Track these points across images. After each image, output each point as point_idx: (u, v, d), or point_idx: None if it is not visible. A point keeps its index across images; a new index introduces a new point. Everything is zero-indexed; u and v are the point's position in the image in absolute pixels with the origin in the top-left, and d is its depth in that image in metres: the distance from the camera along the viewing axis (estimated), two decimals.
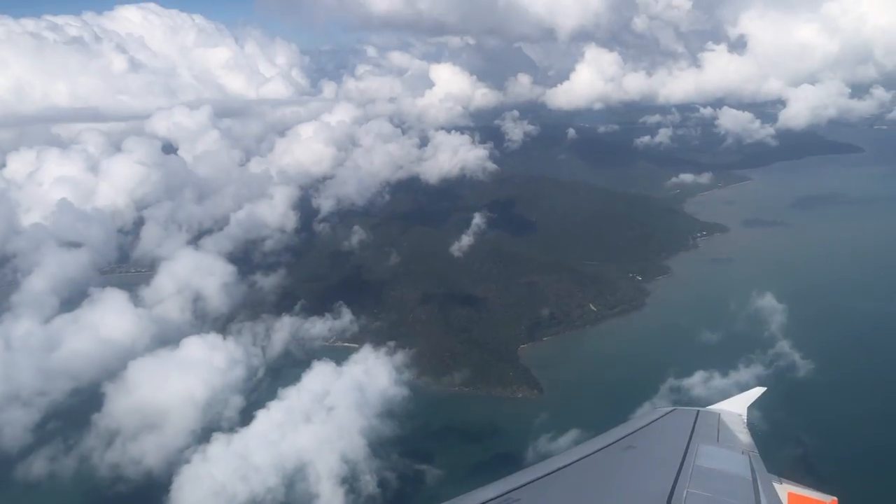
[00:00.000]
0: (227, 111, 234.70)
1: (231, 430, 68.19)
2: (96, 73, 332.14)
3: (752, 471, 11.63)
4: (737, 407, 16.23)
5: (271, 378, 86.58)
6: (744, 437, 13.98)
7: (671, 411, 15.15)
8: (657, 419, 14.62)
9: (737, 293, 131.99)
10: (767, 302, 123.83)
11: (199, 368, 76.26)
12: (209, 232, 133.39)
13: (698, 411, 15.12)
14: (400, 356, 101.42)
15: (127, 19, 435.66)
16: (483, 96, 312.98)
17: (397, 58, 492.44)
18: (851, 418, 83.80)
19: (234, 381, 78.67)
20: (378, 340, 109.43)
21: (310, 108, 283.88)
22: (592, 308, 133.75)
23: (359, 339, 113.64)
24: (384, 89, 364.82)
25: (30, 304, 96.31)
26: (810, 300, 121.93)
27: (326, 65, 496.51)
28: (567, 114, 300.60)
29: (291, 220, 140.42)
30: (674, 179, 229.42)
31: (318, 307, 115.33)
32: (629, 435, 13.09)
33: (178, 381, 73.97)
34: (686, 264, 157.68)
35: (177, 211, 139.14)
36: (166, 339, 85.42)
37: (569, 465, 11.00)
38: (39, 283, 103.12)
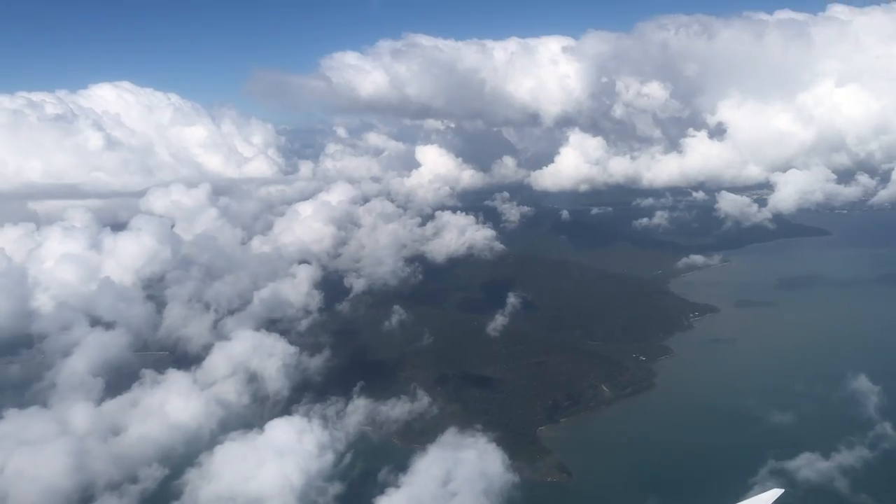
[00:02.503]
0: (214, 189, 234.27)
1: None
2: (71, 150, 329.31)
3: None
4: None
5: (363, 462, 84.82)
6: None
7: None
8: None
9: (743, 374, 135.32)
10: (777, 382, 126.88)
11: (288, 453, 74.52)
12: (231, 312, 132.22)
13: None
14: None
15: (101, 97, 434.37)
16: (470, 177, 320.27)
17: (373, 139, 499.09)
18: None
19: (326, 466, 77.09)
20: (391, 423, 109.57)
21: (296, 187, 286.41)
22: (605, 389, 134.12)
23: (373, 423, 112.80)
24: (361, 169, 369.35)
25: (76, 387, 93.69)
26: (819, 380, 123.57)
27: (292, 144, 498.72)
28: (553, 195, 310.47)
29: (315, 300, 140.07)
30: (684, 260, 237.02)
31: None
32: None
33: (270, 466, 72.14)
34: (685, 345, 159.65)
35: (197, 290, 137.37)
36: (231, 422, 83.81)
37: None
38: (80, 364, 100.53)
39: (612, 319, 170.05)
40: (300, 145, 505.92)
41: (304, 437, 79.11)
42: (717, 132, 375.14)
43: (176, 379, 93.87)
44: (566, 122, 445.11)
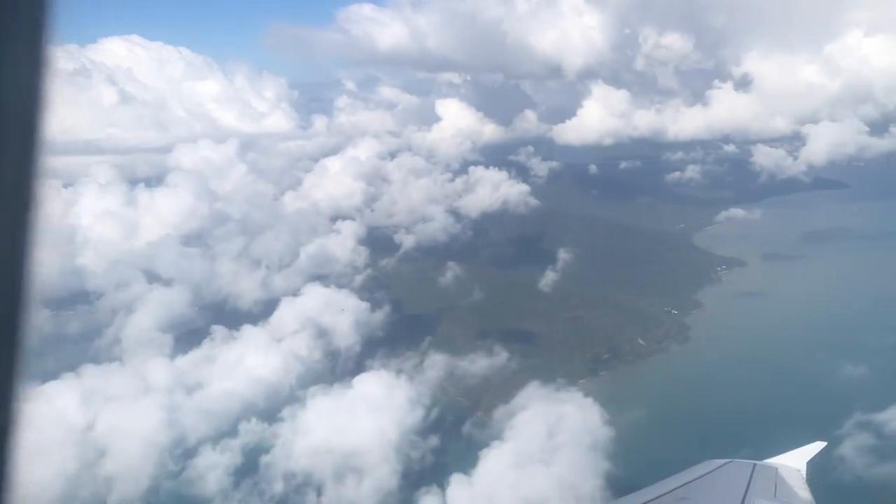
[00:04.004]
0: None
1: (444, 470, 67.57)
2: (85, 106, 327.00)
3: None
4: (796, 461, 15.92)
5: (451, 416, 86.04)
6: (803, 493, 13.78)
7: (727, 463, 14.85)
8: (712, 471, 14.22)
9: (779, 326, 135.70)
10: (815, 335, 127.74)
11: (380, 407, 75.66)
12: (279, 268, 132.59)
13: (755, 464, 14.77)
14: None
15: (111, 52, 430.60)
16: (492, 132, 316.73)
17: (386, 92, 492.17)
18: None
19: (417, 421, 78.32)
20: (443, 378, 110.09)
21: (315, 142, 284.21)
22: (641, 342, 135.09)
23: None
24: (376, 123, 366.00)
25: (145, 343, 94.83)
26: (861, 334, 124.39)
27: (298, 98, 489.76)
28: (577, 149, 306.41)
29: (361, 256, 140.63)
30: (727, 213, 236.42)
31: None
32: (682, 486, 12.88)
33: (364, 420, 73.24)
34: (716, 298, 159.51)
35: (243, 246, 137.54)
36: (307, 377, 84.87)
37: None
38: (146, 320, 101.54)
39: (642, 274, 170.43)
40: (307, 99, 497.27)
41: (393, 391, 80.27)
42: (743, 84, 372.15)
43: (251, 334, 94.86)
44: (588, 74, 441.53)
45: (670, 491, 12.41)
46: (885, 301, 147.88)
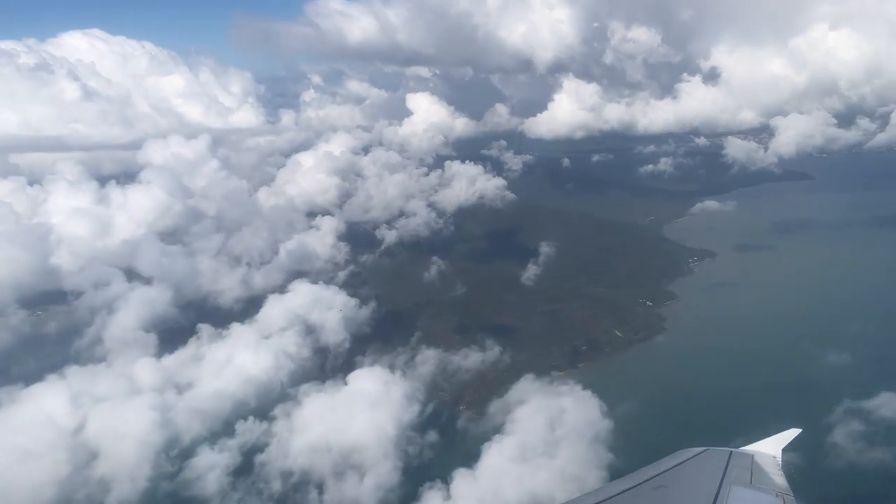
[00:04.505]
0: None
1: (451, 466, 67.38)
2: (48, 101, 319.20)
3: None
4: (771, 448, 16.30)
5: (445, 411, 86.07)
6: (778, 479, 14.03)
7: (703, 451, 15.20)
8: (689, 459, 14.61)
9: (754, 316, 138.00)
10: (785, 324, 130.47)
11: (377, 403, 75.65)
12: (259, 264, 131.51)
13: (731, 452, 15.18)
14: None
15: (73, 46, 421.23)
16: (464, 126, 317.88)
17: (354, 86, 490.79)
18: None
19: (413, 416, 78.39)
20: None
21: (284, 137, 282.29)
22: (618, 334, 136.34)
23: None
24: (344, 118, 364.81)
25: (129, 343, 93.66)
26: (830, 321, 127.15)
27: (265, 93, 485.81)
28: (549, 143, 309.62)
29: (342, 252, 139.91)
30: (699, 205, 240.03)
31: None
32: (660, 474, 13.26)
33: (362, 416, 73.20)
34: (689, 290, 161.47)
35: (221, 242, 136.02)
36: (297, 374, 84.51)
37: (598, 503, 11.48)
38: (129, 319, 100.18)
39: (617, 266, 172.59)
40: (274, 94, 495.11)
41: (385, 387, 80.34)
42: (711, 77, 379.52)
43: (238, 332, 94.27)
44: (558, 67, 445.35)
45: (648, 479, 12.81)
46: (851, 289, 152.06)
